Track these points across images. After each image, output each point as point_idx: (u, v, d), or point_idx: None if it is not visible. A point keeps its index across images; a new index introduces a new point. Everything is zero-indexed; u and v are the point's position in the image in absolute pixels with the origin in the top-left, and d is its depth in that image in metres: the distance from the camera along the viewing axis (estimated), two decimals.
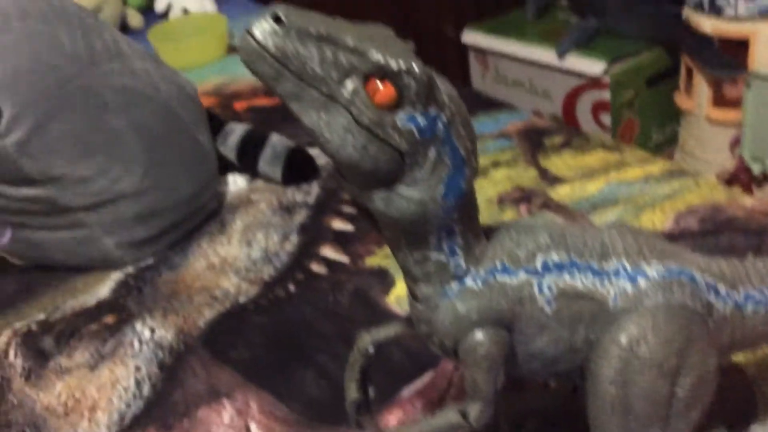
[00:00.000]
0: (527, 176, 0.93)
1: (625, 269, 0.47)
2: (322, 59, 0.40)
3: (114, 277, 0.85)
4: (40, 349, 0.76)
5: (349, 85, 0.41)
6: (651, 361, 0.45)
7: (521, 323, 0.47)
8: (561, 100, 1.80)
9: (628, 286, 0.47)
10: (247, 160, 0.99)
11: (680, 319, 0.46)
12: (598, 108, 1.75)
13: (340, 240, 0.88)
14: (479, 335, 0.46)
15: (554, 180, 0.92)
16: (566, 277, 0.47)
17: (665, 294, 0.47)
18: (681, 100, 1.62)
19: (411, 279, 0.48)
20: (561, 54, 1.72)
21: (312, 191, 0.97)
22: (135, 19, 1.47)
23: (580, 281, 0.47)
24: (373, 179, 0.42)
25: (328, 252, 0.86)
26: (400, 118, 0.41)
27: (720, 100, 1.55)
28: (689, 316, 0.47)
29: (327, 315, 0.77)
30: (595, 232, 0.49)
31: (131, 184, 0.85)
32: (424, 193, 0.43)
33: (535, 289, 0.47)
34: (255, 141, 0.99)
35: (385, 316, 0.76)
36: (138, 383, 0.70)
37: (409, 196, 0.43)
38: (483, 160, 0.97)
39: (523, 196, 0.90)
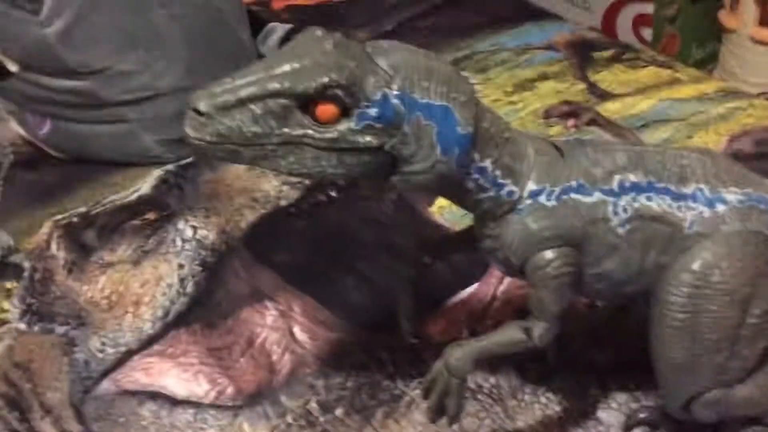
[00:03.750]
0: (575, 90, 0.90)
1: (703, 194, 0.46)
2: (255, 119, 0.41)
3: (154, 174, 0.84)
4: (82, 243, 0.76)
5: (292, 122, 0.41)
6: (723, 288, 0.45)
7: (592, 244, 0.46)
8: (602, 12, 1.74)
9: (706, 211, 0.46)
10: None
11: (756, 246, 0.45)
12: (638, 21, 1.69)
13: None
14: (549, 254, 0.46)
15: (603, 95, 0.89)
16: (642, 198, 0.46)
17: (742, 220, 0.45)
18: (725, 17, 1.57)
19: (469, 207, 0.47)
20: None
21: None
22: None
23: (657, 203, 0.46)
24: (374, 177, 0.43)
25: None
26: (353, 120, 0.41)
27: (766, 20, 1.49)
28: (765, 244, 0.46)
29: (369, 222, 0.76)
30: (674, 155, 0.47)
31: (172, 80, 0.83)
32: (427, 161, 0.42)
33: (610, 210, 0.46)
34: None
35: (428, 226, 0.75)
36: (181, 280, 0.71)
37: (416, 170, 0.43)
38: (529, 72, 0.95)
39: (570, 111, 0.87)
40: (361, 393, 0.60)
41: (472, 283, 0.68)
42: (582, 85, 0.91)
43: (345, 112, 0.41)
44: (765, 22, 1.49)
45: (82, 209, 0.80)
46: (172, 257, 0.73)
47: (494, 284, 0.67)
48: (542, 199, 0.46)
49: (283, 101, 0.41)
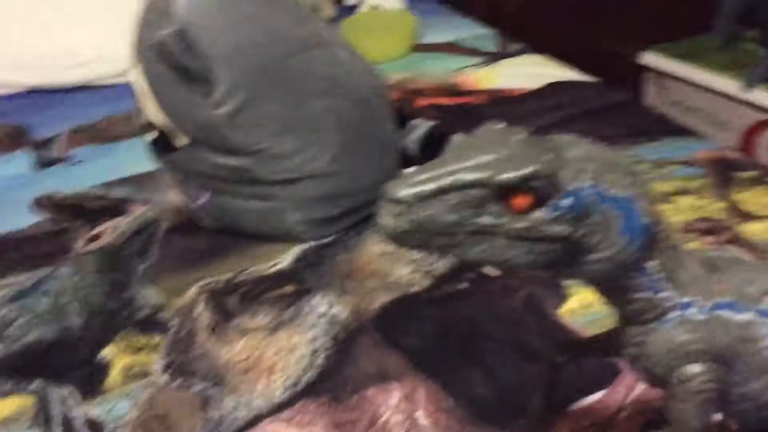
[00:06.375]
0: (715, 208, 0.90)
1: None
2: (452, 208, 0.42)
3: (294, 250, 0.89)
4: (225, 308, 0.80)
5: (487, 211, 0.42)
6: None
7: (739, 363, 0.46)
8: (740, 133, 1.72)
9: None
10: (428, 155, 1.00)
11: None
12: None
13: None
14: (696, 367, 0.46)
15: (745, 216, 0.88)
16: None
17: None
18: None
19: (618, 306, 0.48)
20: (750, 86, 1.64)
21: None
22: (328, 9, 1.53)
23: None
24: (556, 266, 0.43)
25: None
26: (547, 212, 0.42)
27: None
28: None
29: (498, 318, 0.77)
30: None
31: (322, 165, 0.88)
32: (611, 250, 0.43)
33: (761, 331, 0.45)
34: (438, 138, 1.01)
35: (557, 328, 0.75)
36: (313, 352, 0.74)
37: (599, 258, 0.43)
38: (667, 186, 0.95)
39: (709, 228, 0.87)
40: None
41: (600, 390, 0.67)
42: (722, 203, 0.90)
43: (539, 203, 0.42)
44: None
45: (228, 276, 0.85)
46: (306, 329, 0.76)
47: (623, 393, 0.66)
48: (693, 311, 0.46)
49: (481, 191, 0.42)
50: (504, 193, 0.42)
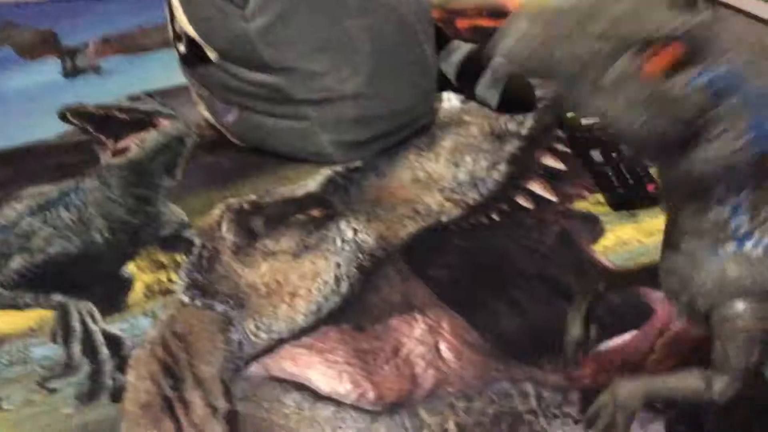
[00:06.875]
0: None
1: None
2: (591, 38, 0.39)
3: (323, 173, 0.87)
4: (250, 228, 0.79)
5: (624, 59, 0.39)
6: None
7: None
8: None
9: None
10: (466, 80, 0.97)
11: None
12: None
13: (550, 177, 0.84)
14: (741, 305, 0.43)
15: None
16: None
17: None
18: None
19: (678, 229, 0.44)
20: None
21: (526, 122, 0.93)
22: None
23: None
24: (666, 151, 0.41)
25: (537, 187, 0.83)
26: (683, 79, 0.39)
27: None
28: None
29: (529, 252, 0.75)
30: None
31: (356, 86, 0.85)
32: (727, 147, 0.40)
33: None
34: (477, 62, 0.96)
35: (591, 265, 0.73)
36: (337, 279, 0.72)
37: (711, 157, 0.40)
38: None
39: None
40: (501, 423, 0.59)
41: (630, 330, 0.65)
42: None
43: (679, 68, 0.39)
44: None
45: (253, 197, 0.83)
46: (331, 255, 0.75)
47: (654, 335, 0.64)
48: (749, 245, 0.43)
49: (629, 31, 0.40)
50: (650, 44, 0.39)
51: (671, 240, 0.46)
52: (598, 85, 0.40)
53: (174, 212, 0.81)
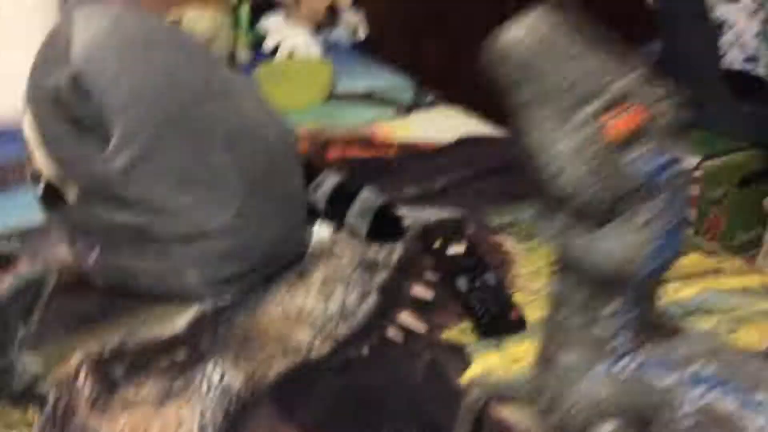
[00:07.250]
0: None
1: None
2: (566, 78, 0.39)
3: (191, 312, 0.85)
4: (110, 377, 0.75)
5: (588, 109, 0.39)
6: None
7: (656, 427, 0.44)
8: None
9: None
10: (335, 210, 0.98)
11: None
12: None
13: (419, 308, 0.86)
14: (609, 426, 0.44)
15: None
16: (712, 395, 0.44)
17: None
18: None
19: (556, 342, 0.45)
20: None
21: (395, 251, 0.96)
22: (243, 54, 1.50)
23: (725, 404, 0.44)
24: (582, 215, 0.40)
25: (406, 319, 0.84)
26: (633, 155, 0.39)
27: None
28: None
29: (399, 385, 0.75)
30: (754, 359, 0.46)
31: (224, 221, 0.84)
32: (633, 249, 0.40)
33: (680, 398, 0.44)
34: (346, 193, 0.99)
35: (459, 396, 0.73)
36: (202, 429, 0.69)
37: (614, 247, 0.40)
38: None
39: None
40: None
41: None
42: None
43: (633, 141, 0.40)
44: None
45: (115, 342, 0.80)
46: (196, 403, 0.72)
47: None
48: (621, 365, 0.44)
49: (602, 86, 0.40)
50: (616, 105, 0.40)
51: (546, 354, 0.46)
52: None
53: (28, 362, 0.77)
